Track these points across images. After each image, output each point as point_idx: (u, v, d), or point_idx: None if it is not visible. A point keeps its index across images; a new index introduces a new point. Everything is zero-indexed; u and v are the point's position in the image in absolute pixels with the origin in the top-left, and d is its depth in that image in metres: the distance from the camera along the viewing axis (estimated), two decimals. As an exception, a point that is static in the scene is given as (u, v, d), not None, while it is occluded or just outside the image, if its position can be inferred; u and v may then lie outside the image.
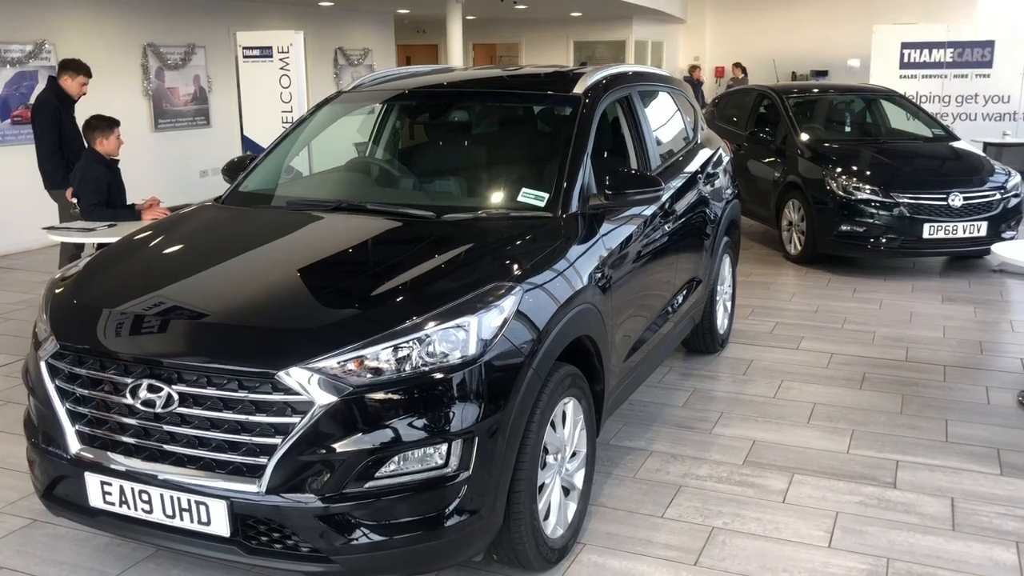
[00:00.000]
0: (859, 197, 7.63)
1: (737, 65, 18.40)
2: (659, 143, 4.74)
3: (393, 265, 3.19)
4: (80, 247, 6.24)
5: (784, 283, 7.72)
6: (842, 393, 5.06)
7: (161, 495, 2.77)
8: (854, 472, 4.07)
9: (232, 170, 4.34)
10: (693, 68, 18.69)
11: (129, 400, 2.80)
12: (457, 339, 2.79)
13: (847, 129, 9.66)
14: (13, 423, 4.34)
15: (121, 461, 2.83)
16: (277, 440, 2.66)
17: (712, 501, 3.80)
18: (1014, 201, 7.78)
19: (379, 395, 2.69)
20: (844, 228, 7.72)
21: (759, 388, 5.15)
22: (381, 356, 2.71)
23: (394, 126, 4.75)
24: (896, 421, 4.66)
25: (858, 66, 17.50)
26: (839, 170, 7.85)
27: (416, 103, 4.73)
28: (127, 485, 2.81)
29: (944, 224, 7.49)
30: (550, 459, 3.20)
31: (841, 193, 7.72)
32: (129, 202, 6.21)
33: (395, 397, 2.70)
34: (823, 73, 18.73)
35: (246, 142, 8.49)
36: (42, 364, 3.00)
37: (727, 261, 5.73)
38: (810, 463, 4.16)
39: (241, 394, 2.69)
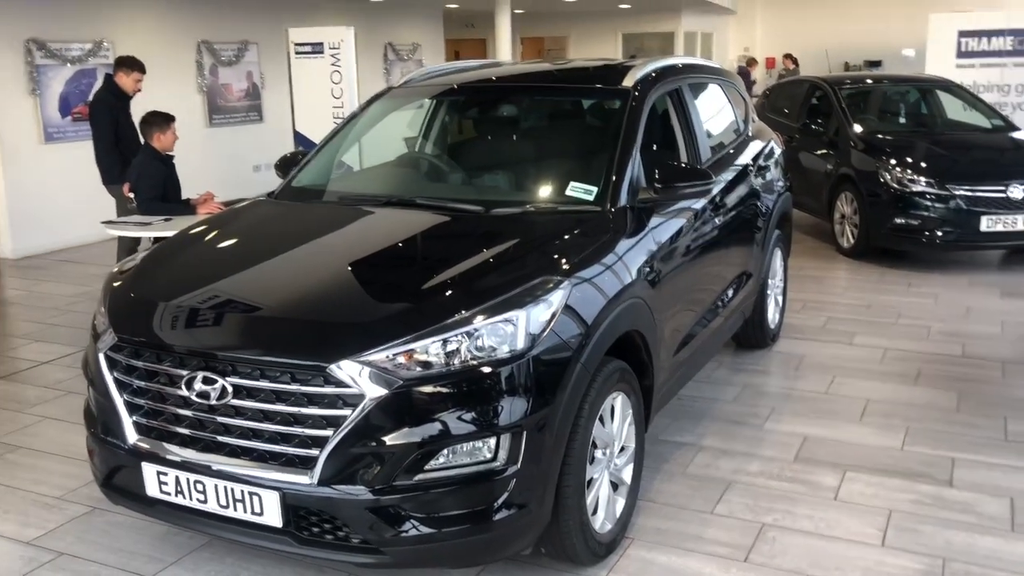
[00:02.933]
0: (914, 189, 7.48)
1: (788, 56, 18.15)
2: (709, 136, 4.70)
3: (442, 259, 3.21)
4: (137, 241, 6.38)
5: (837, 277, 7.60)
6: (896, 389, 4.97)
7: (215, 485, 2.83)
8: (909, 469, 4.00)
9: (285, 165, 4.40)
10: (750, 61, 18.44)
11: (184, 392, 2.85)
12: (505, 333, 2.79)
13: (902, 120, 9.46)
14: (74, 413, 4.46)
15: (176, 452, 2.89)
16: (328, 432, 2.69)
17: (763, 497, 3.76)
18: (1077, 193, 7.55)
19: (428, 388, 2.71)
20: (898, 221, 7.57)
21: (811, 383, 5.08)
22: (430, 350, 2.73)
23: (443, 121, 4.77)
24: (952, 418, 4.56)
25: (913, 56, 17.13)
26: (893, 162, 7.69)
27: (465, 98, 4.75)
28: (182, 475, 2.87)
29: (1003, 217, 7.30)
30: (599, 454, 3.20)
31: (895, 185, 7.57)
32: (184, 196, 6.32)
33: (444, 390, 2.72)
34: (877, 63, 18.38)
35: (298, 137, 8.60)
36: (101, 356, 3.08)
37: (778, 255, 5.66)
38: (863, 460, 4.10)
39: (293, 387, 2.73)
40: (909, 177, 7.55)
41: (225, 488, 2.82)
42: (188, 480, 2.87)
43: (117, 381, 3.03)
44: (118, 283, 3.36)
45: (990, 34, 13.79)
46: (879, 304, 6.67)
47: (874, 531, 3.49)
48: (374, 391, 2.67)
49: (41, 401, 5.04)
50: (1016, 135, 8.48)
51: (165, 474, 2.91)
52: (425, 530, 2.72)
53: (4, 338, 6.39)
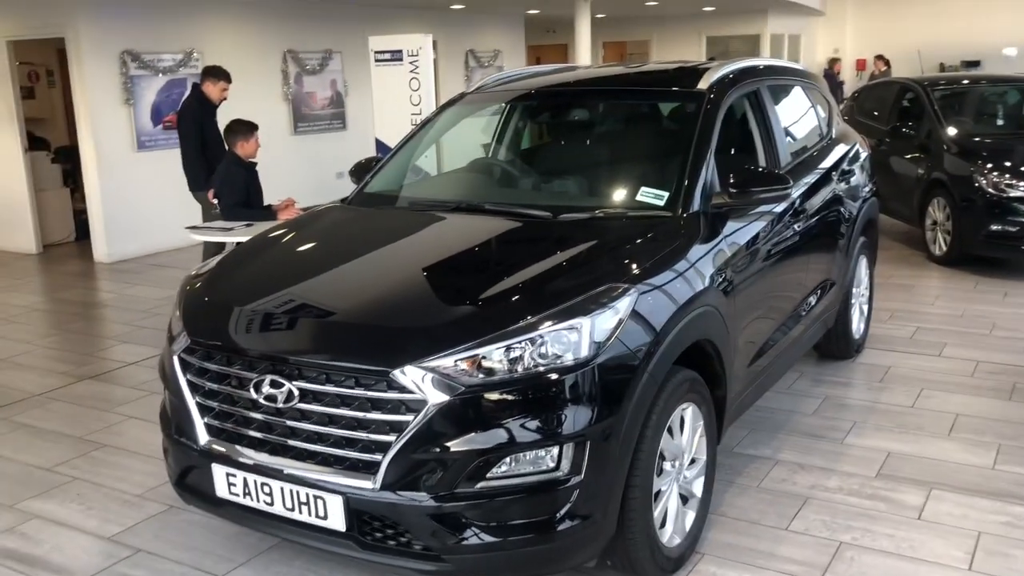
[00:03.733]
0: (1011, 195, 7.14)
1: (879, 57, 17.59)
2: (789, 139, 4.56)
3: (508, 265, 3.18)
4: (221, 246, 6.53)
5: (927, 285, 7.31)
6: (989, 404, 4.74)
7: (282, 488, 2.85)
8: (1000, 489, 3.79)
9: (359, 172, 4.45)
10: (833, 61, 17.96)
11: (253, 395, 2.89)
12: (569, 340, 2.75)
13: (999, 123, 9.05)
14: (156, 413, 4.56)
15: (245, 454, 2.93)
16: (391, 438, 2.69)
17: (841, 515, 3.62)
18: None
19: (491, 395, 2.68)
20: (994, 228, 7.24)
21: (896, 397, 4.88)
22: (493, 356, 2.70)
23: (516, 126, 4.75)
24: (1050, 436, 4.33)
25: (1015, 55, 16.42)
26: (989, 166, 7.36)
27: (537, 103, 4.72)
28: (250, 477, 2.91)
29: (1106, 223, 6.91)
30: (667, 466, 3.12)
31: (991, 190, 7.24)
32: (266, 203, 6.46)
33: (506, 398, 2.69)
34: (975, 63, 17.64)
35: (378, 144, 8.69)
36: (175, 358, 3.14)
37: (863, 262, 5.46)
38: (950, 478, 3.91)
39: (358, 391, 2.74)
40: (1006, 182, 7.22)
41: (291, 491, 2.84)
42: (256, 482, 2.91)
43: (190, 383, 3.09)
44: (193, 287, 3.43)
45: (1098, 31, 13.11)
46: (972, 314, 6.38)
47: (961, 554, 3.32)
48: (437, 397, 2.66)
49: (126, 401, 5.21)
50: (1122, 137, 8.03)
51: (234, 475, 2.95)
52: (487, 539, 2.69)
53: (95, 339, 6.63)
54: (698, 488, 3.34)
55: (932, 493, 3.78)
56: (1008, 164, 7.35)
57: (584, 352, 2.75)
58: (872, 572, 3.22)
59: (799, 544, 3.42)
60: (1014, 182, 7.18)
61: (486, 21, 15.28)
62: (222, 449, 2.98)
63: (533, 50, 18.48)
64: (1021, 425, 4.45)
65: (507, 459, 2.68)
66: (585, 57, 12.33)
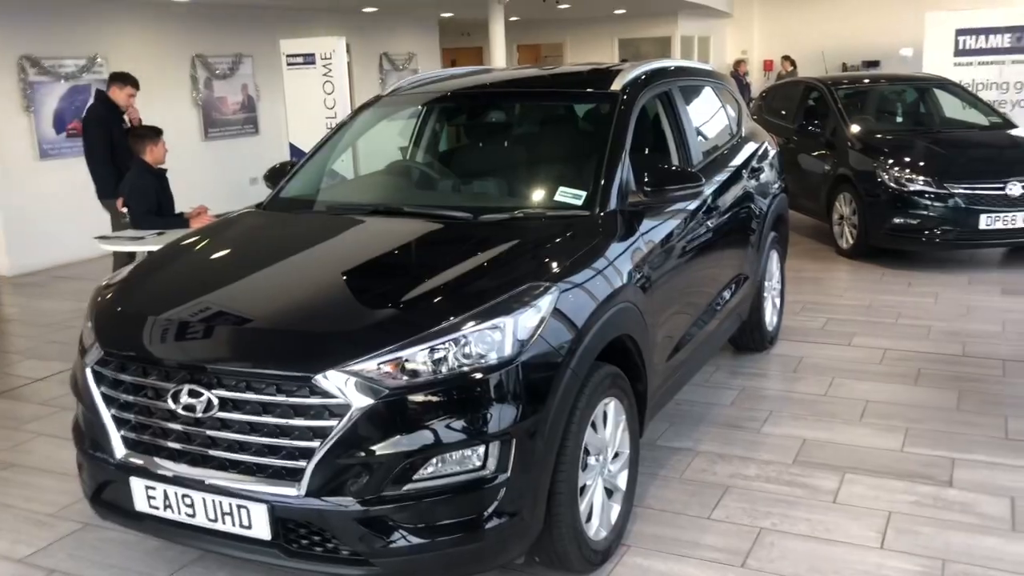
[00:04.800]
0: (912, 189, 7.45)
1: (786, 58, 18.12)
2: (701, 138, 4.67)
3: (429, 267, 3.18)
4: (132, 255, 6.36)
5: (836, 278, 7.56)
6: (896, 390, 4.93)
7: (203, 499, 2.80)
8: (908, 471, 3.95)
9: (274, 176, 4.39)
10: (739, 63, 18.43)
11: (171, 405, 2.83)
12: (493, 340, 2.76)
13: (899, 120, 9.43)
14: (68, 429, 4.37)
15: (164, 465, 2.86)
16: (316, 443, 2.66)
17: (760, 502, 3.72)
18: (1076, 189, 7.51)
19: (416, 397, 2.68)
20: (897, 221, 7.54)
21: (810, 386, 5.04)
22: (417, 358, 2.70)
23: (433, 128, 4.75)
24: (953, 418, 4.52)
25: (911, 55, 17.10)
26: (891, 161, 7.66)
27: (454, 105, 4.73)
28: (170, 489, 2.84)
29: (1002, 214, 7.26)
30: (592, 460, 3.16)
31: (894, 185, 7.54)
32: (178, 210, 6.31)
33: (432, 399, 2.69)
34: (874, 63, 18.35)
35: (292, 149, 8.59)
36: (87, 371, 3.05)
37: (775, 256, 5.62)
38: (862, 462, 4.06)
39: (279, 398, 2.71)
40: (907, 176, 7.52)
41: (213, 501, 2.79)
42: (176, 494, 2.84)
43: (104, 395, 3.01)
44: (104, 297, 3.34)
45: (987, 32, 13.76)
46: (879, 304, 6.63)
47: (873, 534, 3.44)
48: (361, 401, 2.64)
49: (36, 418, 5.02)
50: (1014, 132, 8.45)
51: (153, 488, 2.88)
52: (415, 540, 2.69)
53: (0, 355, 6.38)
54: (622, 481, 3.39)
55: (846, 477, 3.91)
56: (908, 159, 7.66)
57: (508, 351, 2.77)
58: (791, 556, 3.32)
59: (721, 532, 3.50)
60: (914, 176, 7.48)
61: (400, 24, 15.21)
62: (140, 462, 2.91)
63: (448, 53, 18.48)
64: (926, 408, 4.65)
65: (433, 460, 2.68)
66: (500, 60, 12.39)
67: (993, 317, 6.20)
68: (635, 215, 3.64)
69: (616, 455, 3.35)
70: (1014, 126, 8.67)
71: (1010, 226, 7.29)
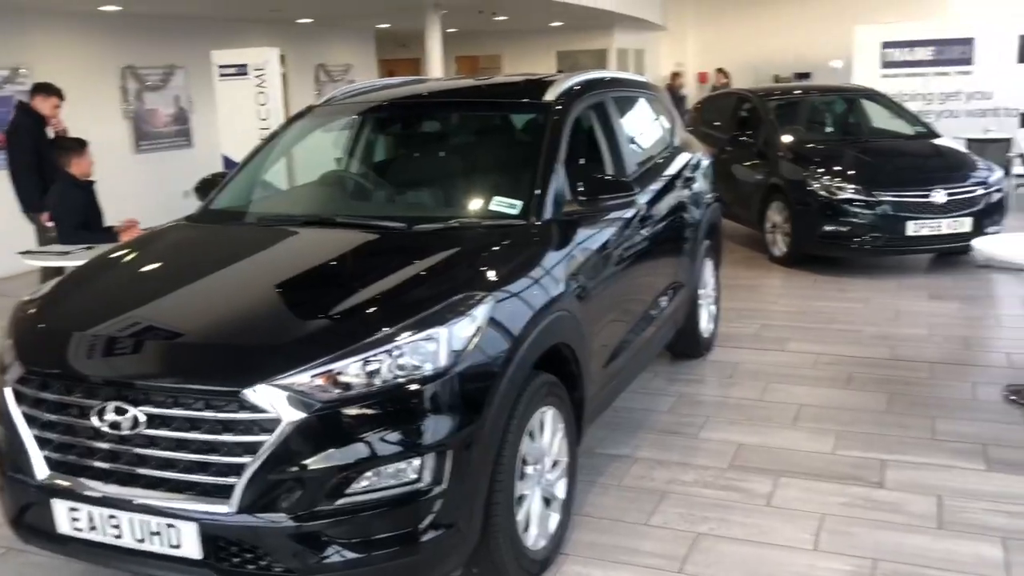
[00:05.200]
0: (842, 197, 7.62)
1: (720, 70, 18.44)
2: (635, 148, 4.71)
3: (362, 278, 3.14)
4: (59, 271, 6.18)
5: (770, 285, 7.70)
6: (828, 393, 5.03)
7: (130, 519, 2.72)
8: (840, 473, 4.03)
9: (205, 188, 4.31)
10: (675, 75, 18.70)
11: (96, 423, 2.74)
12: (427, 351, 2.74)
13: (828, 129, 9.65)
14: (-11, 451, 4.27)
15: (90, 486, 2.78)
16: (246, 459, 2.61)
17: (697, 507, 3.75)
18: (997, 196, 7.77)
19: (349, 410, 2.65)
20: (828, 228, 7.71)
21: (745, 391, 5.11)
22: (350, 370, 2.66)
23: (368, 138, 4.71)
24: (882, 420, 4.62)
25: (840, 67, 17.52)
26: (821, 170, 7.84)
27: (388, 115, 4.70)
28: (95, 510, 2.76)
29: (928, 221, 7.47)
30: (529, 469, 3.16)
31: (824, 193, 7.71)
32: (107, 224, 6.16)
33: (365, 412, 2.66)
34: (806, 75, 18.77)
35: (225, 161, 8.46)
36: (7, 390, 2.95)
37: (709, 264, 5.70)
38: (796, 465, 4.12)
39: (208, 413, 2.65)
40: (837, 185, 7.69)
41: (141, 521, 2.71)
42: (101, 514, 2.76)
43: (25, 415, 2.90)
44: (26, 313, 3.23)
45: (912, 45, 14.20)
46: (811, 310, 6.76)
47: (807, 536, 3.50)
48: (292, 415, 2.60)
49: (-44, 440, 4.83)
50: (938, 141, 8.71)
51: (77, 510, 2.79)
52: (350, 555, 2.65)
53: (-81, 376, 6.13)
54: (561, 490, 3.39)
55: (780, 480, 3.97)
56: (838, 168, 7.85)
57: (443, 361, 2.75)
58: (727, 560, 3.35)
59: (659, 538, 3.52)
60: (844, 185, 7.66)
61: (336, 35, 15.11)
62: (64, 483, 2.82)
63: (385, 64, 18.39)
64: (856, 411, 4.74)
65: (368, 473, 2.64)
66: (437, 71, 12.38)
67: (921, 321, 6.36)
68: (570, 224, 3.66)
69: (554, 464, 3.35)
70: (938, 136, 8.95)
71: (935, 232, 7.50)
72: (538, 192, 3.61)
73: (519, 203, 3.61)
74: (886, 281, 7.58)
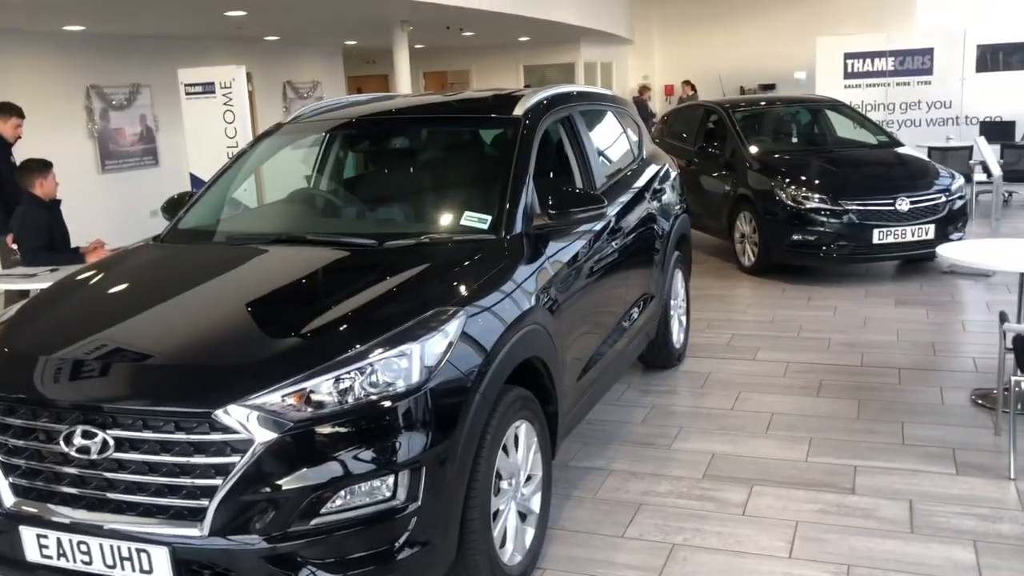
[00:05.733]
0: (808, 206, 7.71)
1: (687, 83, 18.63)
2: (603, 161, 4.75)
3: (333, 295, 3.14)
4: (24, 294, 6.10)
5: (739, 295, 7.76)
6: (799, 401, 5.07)
7: (100, 544, 2.68)
8: (813, 480, 4.06)
9: (172, 208, 4.27)
10: (643, 88, 18.85)
11: (63, 448, 2.70)
12: (400, 367, 2.73)
13: (794, 140, 9.78)
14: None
15: (58, 511, 2.73)
16: (218, 481, 2.58)
17: (672, 518, 3.76)
18: (959, 203, 7.90)
19: (321, 429, 2.63)
20: (796, 237, 7.79)
21: (717, 400, 5.14)
22: (322, 388, 2.65)
23: (337, 155, 4.70)
24: (853, 426, 4.67)
25: (804, 78, 17.79)
26: (788, 180, 7.92)
27: (357, 132, 4.69)
28: (64, 536, 2.71)
29: (893, 229, 7.58)
30: (504, 484, 3.15)
31: (791, 203, 7.79)
32: (73, 245, 6.09)
33: (338, 430, 2.64)
34: (770, 87, 19.01)
35: (193, 179, 8.40)
36: (-30, 416, 2.89)
37: (679, 275, 5.73)
38: (769, 473, 4.15)
39: (178, 436, 2.62)
40: (803, 195, 7.78)
41: (111, 546, 2.67)
42: (71, 541, 2.71)
43: (-10, 441, 2.85)
44: (-10, 338, 3.18)
45: (874, 55, 14.45)
46: (781, 319, 6.82)
47: (782, 543, 3.52)
48: (264, 435, 2.57)
49: (-81, 468, 4.74)
50: (901, 150, 8.85)
51: (45, 536, 2.74)
52: (325, 575, 2.63)
53: None
54: (536, 504, 3.39)
55: (754, 489, 3.99)
56: (804, 178, 7.94)
57: (415, 378, 2.74)
58: (703, 570, 3.36)
59: (635, 550, 3.52)
60: (810, 194, 7.75)
61: (303, 52, 15.09)
62: (32, 510, 2.77)
63: (354, 80, 18.39)
64: (828, 419, 4.79)
65: (342, 492, 2.63)
66: (406, 87, 12.39)
67: (888, 328, 6.44)
68: (540, 238, 3.67)
69: (529, 478, 3.35)
70: (900, 144, 9.09)
71: (901, 240, 7.61)
72: (508, 206, 3.62)
73: (488, 218, 3.62)
74: (854, 289, 7.66)
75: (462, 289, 3.14)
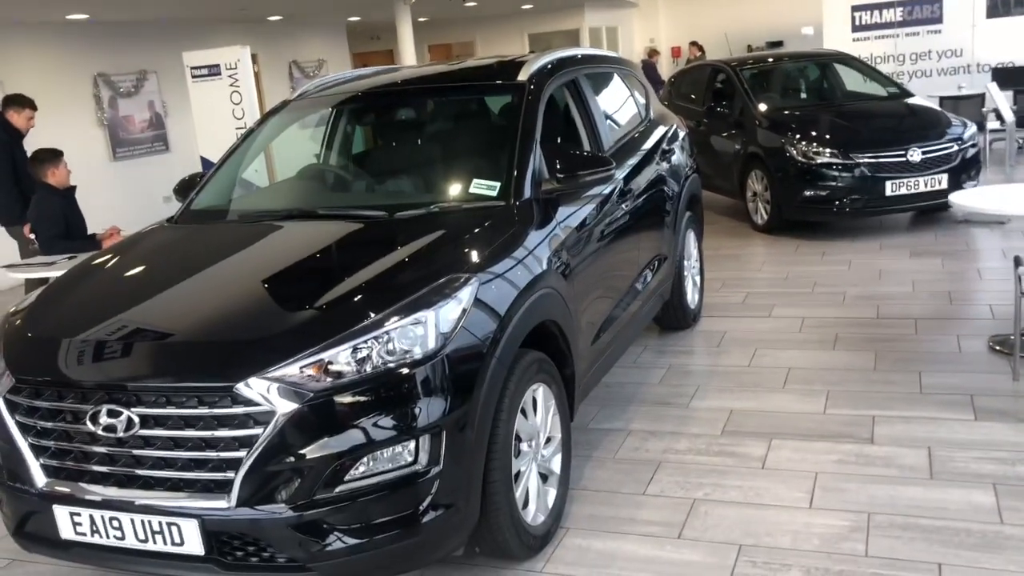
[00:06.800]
0: (819, 161, 7.66)
1: (694, 44, 18.42)
2: (610, 123, 4.74)
3: (346, 267, 3.17)
4: (45, 282, 6.17)
5: (753, 253, 7.75)
6: (816, 355, 5.08)
7: (132, 520, 2.74)
8: (831, 431, 4.08)
9: (183, 189, 4.31)
10: (651, 52, 18.69)
11: (90, 427, 2.76)
12: (416, 335, 2.77)
13: (803, 96, 9.69)
14: (-14, 465, 4.28)
15: (90, 490, 2.80)
16: (242, 453, 2.63)
17: (692, 474, 3.80)
18: (972, 151, 7.83)
19: (341, 398, 2.67)
20: (807, 193, 7.75)
21: (734, 358, 5.16)
22: (340, 358, 2.69)
23: (344, 130, 4.72)
24: (870, 377, 4.68)
25: (812, 33, 17.56)
26: (798, 136, 7.87)
27: (362, 105, 4.70)
28: (96, 513, 2.78)
29: (905, 180, 7.52)
30: (524, 447, 3.19)
31: (801, 159, 7.74)
32: (90, 232, 6.15)
33: (358, 399, 2.68)
34: (778, 44, 18.80)
35: (204, 162, 8.44)
36: (0, 401, 2.96)
37: (692, 236, 5.73)
38: (787, 427, 4.17)
39: (202, 410, 2.67)
40: (814, 150, 7.73)
41: (142, 521, 2.73)
42: (103, 517, 2.78)
43: (20, 424, 2.92)
44: (13, 324, 3.24)
45: (881, 6, 14.23)
46: (795, 275, 6.81)
47: (801, 494, 3.55)
48: (285, 406, 2.62)
49: (-48, 456, 4.84)
50: (911, 101, 8.76)
51: (78, 514, 2.81)
52: (352, 541, 2.68)
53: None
54: (556, 465, 3.43)
55: (772, 443, 4.02)
56: (814, 133, 7.88)
57: (431, 344, 2.78)
58: (725, 523, 3.40)
59: (656, 506, 3.57)
60: (821, 149, 7.70)
61: (307, 31, 15.04)
62: (64, 489, 2.84)
63: (359, 57, 18.32)
64: (844, 371, 4.80)
65: (364, 459, 2.67)
66: (411, 61, 12.35)
67: (904, 279, 6.42)
68: (550, 202, 3.68)
69: (548, 440, 3.39)
70: (910, 95, 9.00)
71: (913, 191, 7.56)
72: (515, 172, 3.63)
73: (497, 184, 3.63)
74: (868, 242, 7.63)
75: (473, 256, 3.17)
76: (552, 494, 3.40)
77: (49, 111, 7.39)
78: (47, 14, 9.76)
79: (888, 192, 7.53)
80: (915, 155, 7.53)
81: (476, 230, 3.36)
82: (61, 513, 2.83)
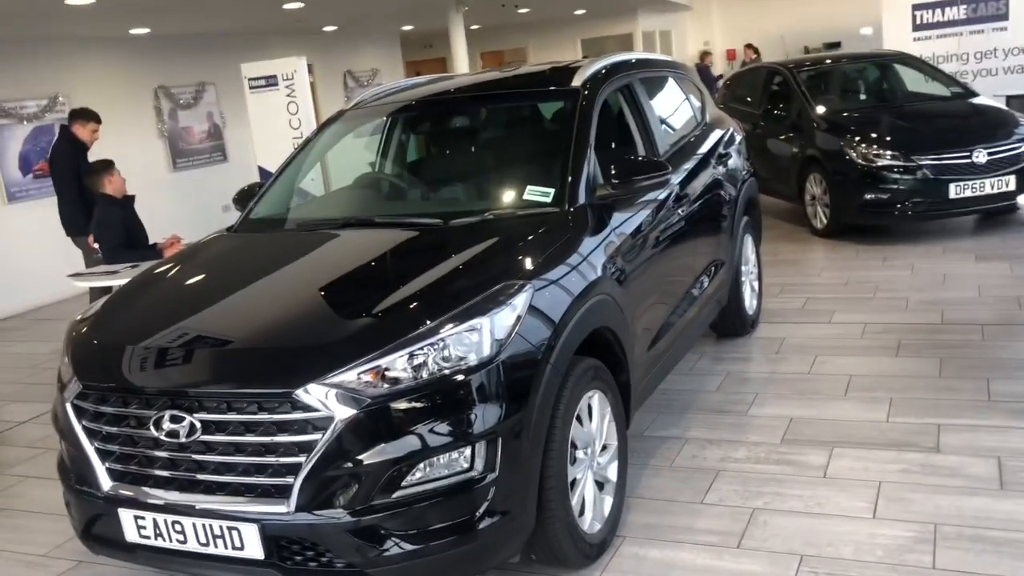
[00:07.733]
0: (880, 164, 7.51)
1: (749, 46, 18.23)
2: (666, 128, 4.70)
3: (403, 275, 3.19)
4: (108, 291, 6.33)
5: (812, 258, 7.62)
6: (878, 362, 4.97)
7: (193, 524, 2.79)
8: (895, 440, 3.98)
9: (243, 199, 4.39)
10: (704, 55, 18.53)
11: (153, 433, 2.82)
12: (471, 341, 2.77)
13: (862, 97, 9.51)
14: (54, 469, 4.39)
15: (152, 494, 2.85)
16: (301, 458, 2.66)
17: (752, 483, 3.74)
18: (1041, 152, 7.60)
19: (398, 404, 2.68)
20: (868, 197, 7.59)
21: (793, 365, 5.07)
22: (397, 365, 2.70)
23: (399, 138, 4.76)
24: (936, 385, 4.56)
25: (871, 34, 17.25)
26: (857, 139, 7.72)
27: (417, 114, 4.73)
28: (160, 517, 2.83)
29: (970, 182, 7.33)
30: (580, 454, 3.17)
31: (861, 162, 7.60)
32: (151, 241, 6.29)
33: (414, 405, 2.69)
34: (835, 45, 18.48)
35: (261, 172, 8.57)
36: (68, 406, 3.04)
37: (749, 241, 5.65)
38: (849, 435, 4.08)
39: (262, 416, 2.70)
40: (874, 152, 7.58)
41: (204, 525, 2.78)
42: (166, 521, 2.83)
43: (86, 429, 2.99)
44: (80, 331, 3.33)
45: (944, 4, 13.90)
46: (856, 280, 6.68)
47: (864, 504, 3.47)
48: (343, 412, 2.64)
49: (21, 461, 4.98)
50: (975, 101, 8.54)
51: (143, 518, 2.87)
52: (409, 547, 2.69)
53: (-18, 401, 6.32)
54: (612, 473, 3.40)
55: (834, 451, 3.94)
56: (874, 135, 7.73)
57: (487, 351, 2.78)
58: (785, 532, 3.33)
59: (715, 515, 3.51)
60: (881, 152, 7.54)
61: (361, 41, 15.22)
62: (128, 493, 2.90)
63: (412, 66, 18.47)
64: (908, 378, 4.68)
65: (421, 465, 2.68)
66: (464, 68, 12.42)
67: (969, 284, 6.25)
68: (605, 208, 3.66)
69: (604, 447, 3.36)
70: (974, 95, 8.77)
71: (979, 193, 7.36)
72: (570, 178, 3.62)
73: (551, 190, 3.62)
74: (931, 246, 7.45)
75: (528, 263, 3.16)
76: (608, 502, 3.37)
77: (112, 123, 7.58)
78: (110, 30, 10.02)
79: (952, 195, 7.34)
80: (980, 156, 7.33)
81: (530, 237, 3.35)
82: (126, 516, 2.89)
